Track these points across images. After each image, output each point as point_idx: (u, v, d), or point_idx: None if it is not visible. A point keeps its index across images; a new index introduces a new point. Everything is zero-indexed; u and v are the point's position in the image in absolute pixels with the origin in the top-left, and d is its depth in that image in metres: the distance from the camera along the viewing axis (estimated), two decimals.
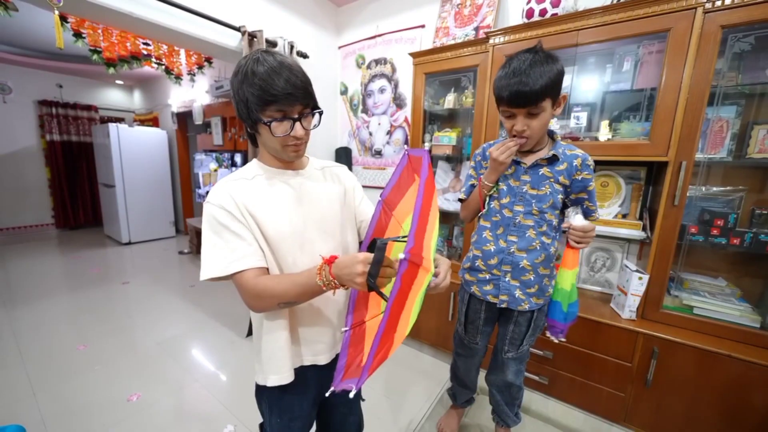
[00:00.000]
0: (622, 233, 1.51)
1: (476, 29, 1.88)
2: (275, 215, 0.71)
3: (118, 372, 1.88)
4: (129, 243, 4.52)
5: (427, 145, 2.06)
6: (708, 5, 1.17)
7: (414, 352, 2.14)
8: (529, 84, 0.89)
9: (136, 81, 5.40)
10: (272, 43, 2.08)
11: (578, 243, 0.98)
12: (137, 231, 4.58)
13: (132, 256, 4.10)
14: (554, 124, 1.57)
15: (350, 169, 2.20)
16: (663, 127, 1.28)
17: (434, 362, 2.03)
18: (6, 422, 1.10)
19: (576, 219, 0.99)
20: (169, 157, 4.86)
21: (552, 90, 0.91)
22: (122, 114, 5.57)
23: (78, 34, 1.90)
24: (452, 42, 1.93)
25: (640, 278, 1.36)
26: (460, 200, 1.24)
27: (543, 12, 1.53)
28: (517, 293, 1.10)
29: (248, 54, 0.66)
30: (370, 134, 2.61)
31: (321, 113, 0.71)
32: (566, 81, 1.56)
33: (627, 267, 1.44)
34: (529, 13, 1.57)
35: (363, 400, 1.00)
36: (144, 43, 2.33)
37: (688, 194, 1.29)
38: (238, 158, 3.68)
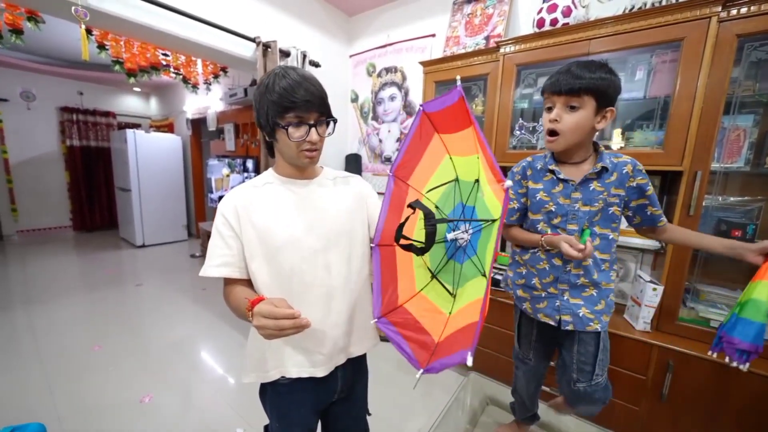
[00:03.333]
0: (636, 243, 1.49)
1: (487, 38, 1.89)
2: (274, 222, 0.73)
3: (132, 373, 1.92)
4: (143, 246, 4.62)
5: None
6: (723, 14, 1.16)
7: None
8: (581, 77, 0.86)
9: (152, 88, 5.56)
10: (286, 53, 2.14)
11: None
12: (151, 234, 4.68)
13: (145, 259, 4.18)
14: None
15: (359, 175, 2.23)
16: (677, 136, 1.27)
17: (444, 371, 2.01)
18: (24, 418, 1.15)
19: None
20: (183, 162, 4.99)
21: (596, 92, 0.87)
22: (139, 120, 5.74)
23: (102, 46, 1.98)
24: (463, 51, 1.95)
25: (655, 289, 1.33)
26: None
27: (554, 22, 1.54)
28: (582, 312, 1.00)
29: (272, 69, 0.72)
30: (380, 141, 2.63)
31: (335, 122, 0.74)
32: None
33: (641, 277, 1.42)
34: (540, 23, 1.58)
35: (369, 414, 0.98)
36: (163, 54, 2.42)
37: (704, 204, 1.27)
38: (249, 164, 3.74)
